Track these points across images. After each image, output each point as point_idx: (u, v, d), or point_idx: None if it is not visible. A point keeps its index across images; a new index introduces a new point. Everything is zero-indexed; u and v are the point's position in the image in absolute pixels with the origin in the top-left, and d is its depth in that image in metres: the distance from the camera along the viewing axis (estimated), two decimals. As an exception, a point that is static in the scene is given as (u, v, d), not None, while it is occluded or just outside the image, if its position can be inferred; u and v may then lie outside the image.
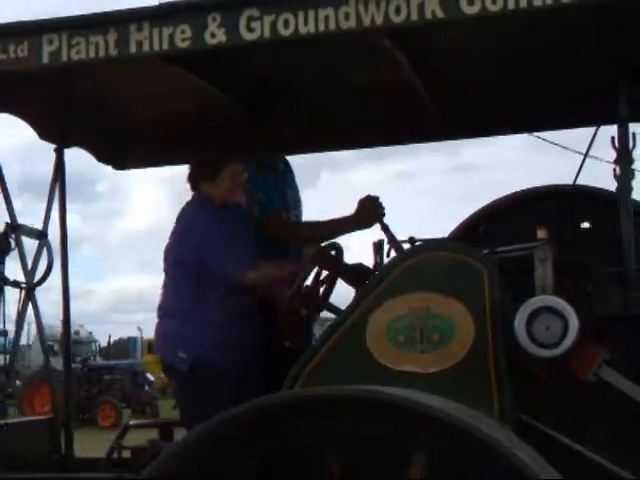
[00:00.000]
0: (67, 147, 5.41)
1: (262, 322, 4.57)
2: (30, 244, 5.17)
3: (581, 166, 4.69)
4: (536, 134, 5.02)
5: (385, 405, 3.30)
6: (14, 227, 4.88)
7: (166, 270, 4.65)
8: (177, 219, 4.64)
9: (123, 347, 47.76)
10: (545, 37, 4.10)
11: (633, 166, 4.03)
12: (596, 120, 4.53)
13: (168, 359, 4.58)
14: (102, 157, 5.66)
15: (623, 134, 3.90)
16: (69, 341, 5.44)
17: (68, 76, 4.42)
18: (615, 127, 4.28)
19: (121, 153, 5.62)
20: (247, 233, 4.65)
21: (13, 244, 4.91)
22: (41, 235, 5.09)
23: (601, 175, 4.84)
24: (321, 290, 4.44)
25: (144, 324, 38.40)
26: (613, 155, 4.14)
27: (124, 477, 4.35)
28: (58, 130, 5.29)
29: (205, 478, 3.50)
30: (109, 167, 5.76)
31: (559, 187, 4.88)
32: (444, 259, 3.78)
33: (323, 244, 4.51)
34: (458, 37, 4.06)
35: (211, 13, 3.70)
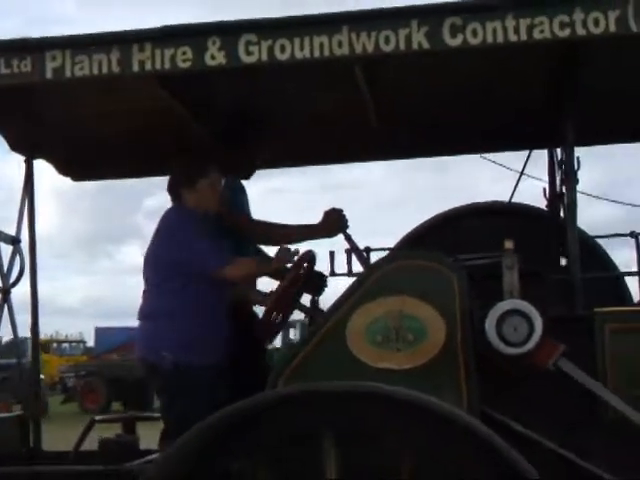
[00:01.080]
0: (35, 159, 5.23)
1: (238, 322, 4.48)
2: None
3: (516, 185, 4.80)
4: (484, 155, 5.07)
5: (384, 399, 3.30)
6: (-6, 233, 4.69)
7: (147, 275, 4.48)
8: (160, 225, 4.48)
9: (15, 347, 46.48)
10: (496, 69, 4.16)
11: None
12: (539, 144, 4.63)
13: (151, 359, 4.36)
14: (62, 169, 5.48)
15: (569, 157, 3.99)
16: (38, 343, 5.23)
17: (44, 92, 4.28)
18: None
19: (82, 166, 5.43)
20: (224, 238, 4.54)
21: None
22: (15, 240, 4.90)
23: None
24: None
25: (35, 326, 37.55)
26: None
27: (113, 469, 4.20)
28: (29, 143, 5.08)
29: None
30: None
31: (495, 204, 4.98)
32: (418, 266, 3.79)
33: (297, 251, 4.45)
34: (414, 66, 4.08)
35: (211, 36, 3.64)
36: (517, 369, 3.69)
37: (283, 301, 4.25)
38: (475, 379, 3.64)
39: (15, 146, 5.04)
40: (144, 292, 4.50)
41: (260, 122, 4.69)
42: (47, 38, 3.79)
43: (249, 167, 4.87)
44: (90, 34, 3.77)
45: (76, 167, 5.46)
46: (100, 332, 36.80)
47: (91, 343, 38.54)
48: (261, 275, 4.57)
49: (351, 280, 4.56)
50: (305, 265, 4.42)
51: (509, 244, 3.68)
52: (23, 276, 4.94)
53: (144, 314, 4.48)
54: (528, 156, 4.86)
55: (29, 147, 5.13)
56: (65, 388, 29.82)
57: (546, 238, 4.50)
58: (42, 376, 26.84)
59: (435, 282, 3.73)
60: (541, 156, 5.05)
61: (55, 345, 39.12)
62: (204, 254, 4.30)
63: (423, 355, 3.68)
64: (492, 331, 3.59)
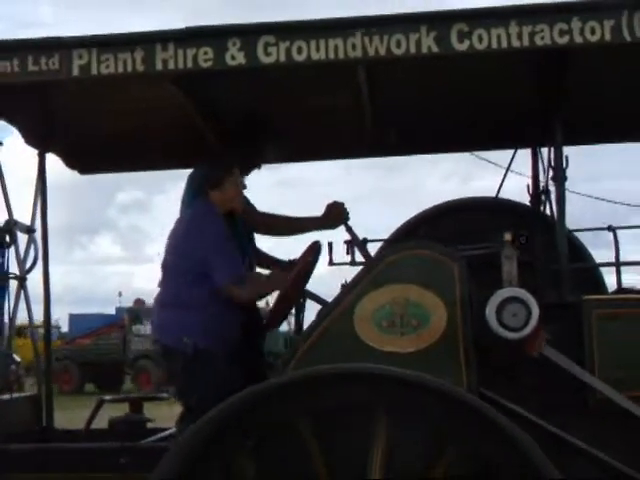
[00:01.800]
0: (47, 152, 5.17)
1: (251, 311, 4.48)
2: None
3: (502, 181, 4.83)
4: (475, 153, 5.10)
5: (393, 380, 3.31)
6: (13, 223, 4.63)
7: (168, 265, 4.40)
8: (186, 221, 4.42)
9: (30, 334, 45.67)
10: (489, 73, 4.17)
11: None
12: (527, 143, 4.65)
13: (172, 344, 4.29)
14: (71, 163, 5.41)
15: (558, 156, 4.01)
16: (49, 327, 5.18)
17: (61, 90, 4.23)
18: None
19: (90, 160, 5.36)
20: (239, 238, 4.49)
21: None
22: (30, 230, 4.84)
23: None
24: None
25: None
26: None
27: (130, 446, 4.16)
28: (43, 137, 5.02)
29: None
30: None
31: (484, 199, 5.01)
32: (421, 256, 3.78)
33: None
34: (411, 67, 4.06)
35: (232, 37, 3.63)
36: (512, 353, 3.72)
37: (294, 289, 4.23)
38: (474, 362, 3.66)
39: (28, 140, 4.98)
40: (163, 280, 4.42)
41: (265, 121, 4.66)
42: (75, 37, 3.75)
43: (252, 164, 4.83)
44: (115, 34, 3.75)
45: (85, 161, 5.39)
46: (74, 318, 36.46)
47: (65, 329, 38.22)
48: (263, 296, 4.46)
49: (351, 269, 4.62)
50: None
51: (508, 236, 3.70)
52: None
53: (164, 302, 4.40)
54: (514, 154, 4.89)
55: (42, 141, 5.07)
56: (41, 371, 29.56)
57: (531, 231, 4.53)
58: (19, 359, 26.64)
59: (437, 271, 3.73)
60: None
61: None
62: (222, 268, 4.21)
63: (426, 339, 3.68)
64: (492, 317, 3.60)
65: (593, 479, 3.67)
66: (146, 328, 29.09)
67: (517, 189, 5.23)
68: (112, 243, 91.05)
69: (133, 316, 28.82)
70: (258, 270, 4.73)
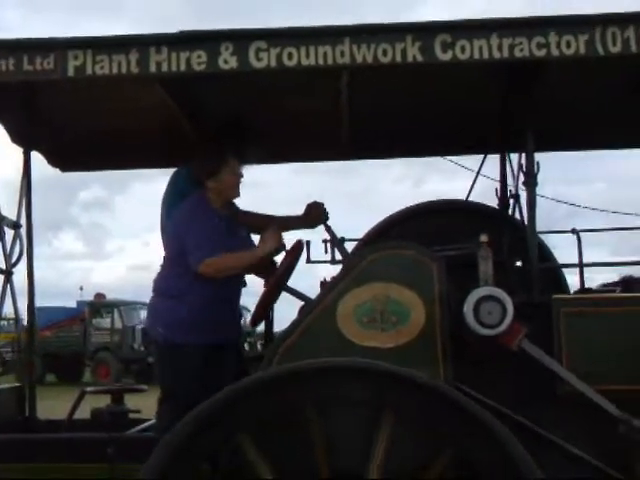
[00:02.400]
0: (32, 151, 5.07)
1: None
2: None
3: (472, 185, 4.84)
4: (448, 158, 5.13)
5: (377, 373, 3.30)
6: (1, 218, 4.54)
7: (165, 257, 4.36)
8: (181, 211, 4.32)
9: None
10: (466, 82, 4.18)
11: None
12: (498, 149, 4.67)
13: (149, 331, 4.33)
14: (54, 161, 5.32)
15: (530, 162, 4.03)
16: (34, 321, 5.09)
17: (49, 90, 4.16)
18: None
19: (73, 158, 5.27)
20: (234, 235, 4.40)
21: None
22: (16, 225, 4.74)
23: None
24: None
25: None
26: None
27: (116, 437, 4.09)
28: (28, 136, 4.92)
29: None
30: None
31: (455, 201, 5.02)
32: (401, 255, 3.78)
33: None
34: (388, 76, 4.06)
35: (224, 42, 3.60)
36: (488, 349, 3.73)
37: (277, 287, 4.20)
38: (451, 357, 3.67)
39: (14, 139, 4.88)
40: (160, 266, 4.37)
41: (249, 124, 4.62)
42: (70, 38, 3.69)
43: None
44: (110, 36, 3.70)
45: (68, 159, 5.30)
46: (36, 311, 36.10)
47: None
48: (247, 264, 4.25)
49: (326, 267, 4.60)
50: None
51: (484, 237, 3.71)
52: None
53: (154, 289, 4.35)
54: (483, 159, 4.92)
55: (27, 140, 4.97)
56: (3, 362, 29.12)
57: (499, 233, 4.55)
58: (-19, 350, 26.15)
59: (417, 270, 3.74)
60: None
61: (-5, 323, 38.07)
62: (194, 250, 4.12)
63: (405, 335, 3.69)
64: (470, 314, 3.60)
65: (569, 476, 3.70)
66: (106, 321, 28.98)
67: (481, 193, 5.29)
68: (74, 239, 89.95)
69: (94, 310, 28.54)
70: None
